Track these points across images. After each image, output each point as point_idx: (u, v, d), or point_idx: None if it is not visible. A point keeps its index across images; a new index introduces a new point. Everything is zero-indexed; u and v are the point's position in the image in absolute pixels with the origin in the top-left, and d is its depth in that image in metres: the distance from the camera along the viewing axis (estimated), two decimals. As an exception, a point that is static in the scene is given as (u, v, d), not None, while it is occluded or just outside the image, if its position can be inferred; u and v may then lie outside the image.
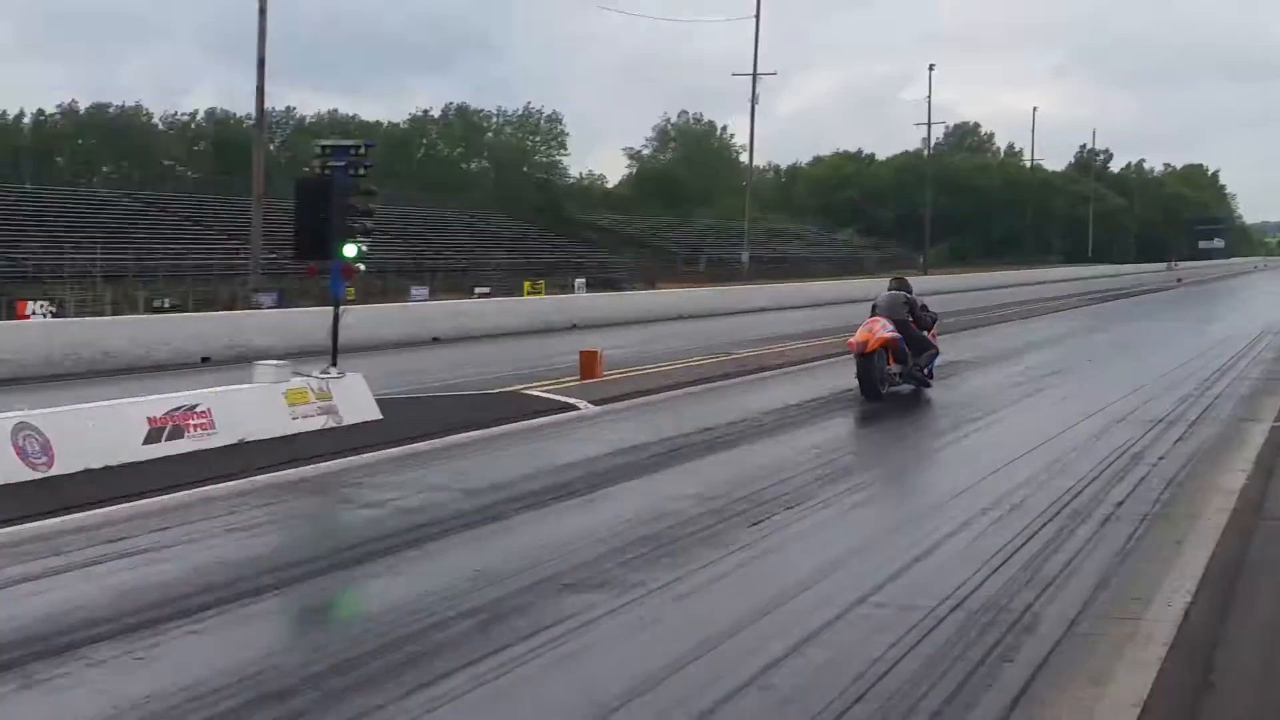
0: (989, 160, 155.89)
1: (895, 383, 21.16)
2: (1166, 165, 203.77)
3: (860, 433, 17.96)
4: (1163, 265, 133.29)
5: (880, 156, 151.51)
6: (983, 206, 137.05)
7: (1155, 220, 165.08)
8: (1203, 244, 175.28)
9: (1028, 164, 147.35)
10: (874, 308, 21.98)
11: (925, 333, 22.05)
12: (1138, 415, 18.42)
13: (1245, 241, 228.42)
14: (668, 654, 7.83)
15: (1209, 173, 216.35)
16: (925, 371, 21.81)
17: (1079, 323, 40.07)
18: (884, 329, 21.15)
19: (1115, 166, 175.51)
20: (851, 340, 21.21)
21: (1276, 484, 13.30)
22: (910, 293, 22.22)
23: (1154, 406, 19.45)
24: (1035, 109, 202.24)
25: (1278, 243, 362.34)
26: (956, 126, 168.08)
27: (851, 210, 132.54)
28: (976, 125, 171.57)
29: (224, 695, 7.20)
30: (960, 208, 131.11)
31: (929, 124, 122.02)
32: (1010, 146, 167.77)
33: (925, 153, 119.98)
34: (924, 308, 22.36)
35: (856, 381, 20.72)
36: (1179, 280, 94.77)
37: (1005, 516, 11.55)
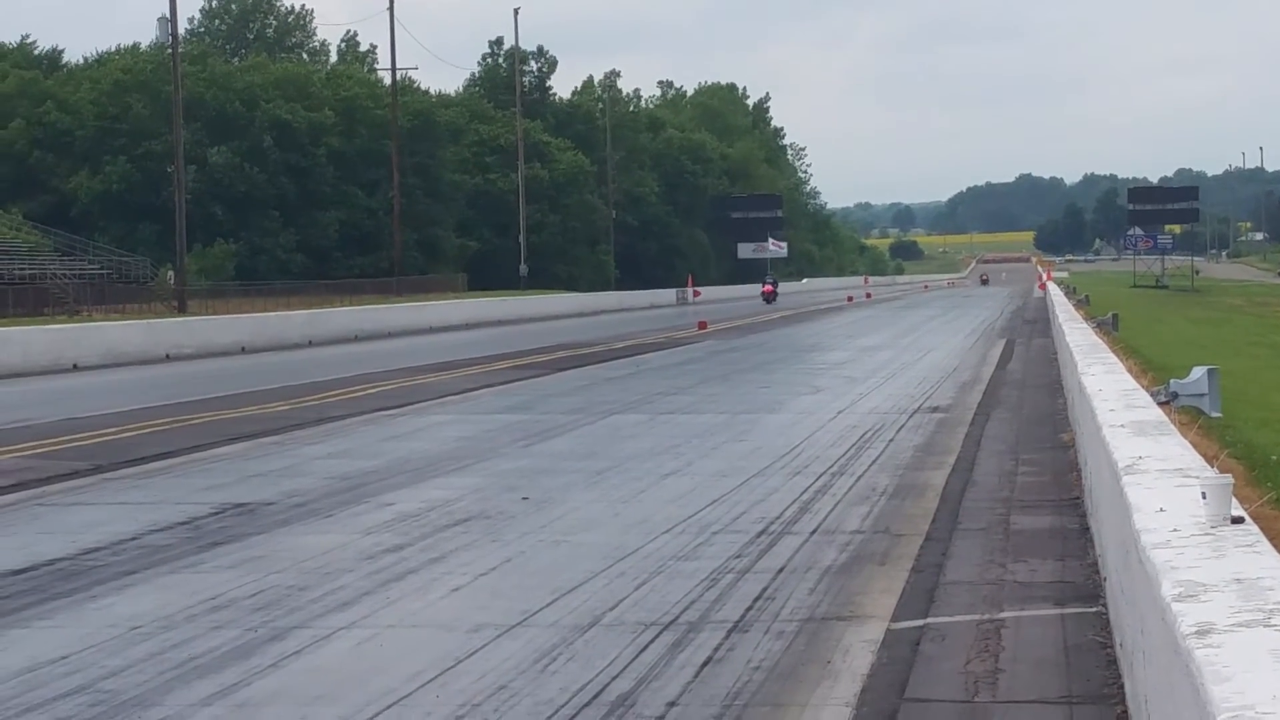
0: (302, 68, 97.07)
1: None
2: (668, 86, 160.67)
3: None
4: (671, 295, 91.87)
5: (75, 56, 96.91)
6: (294, 167, 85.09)
7: (647, 200, 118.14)
8: (746, 249, 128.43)
9: (383, 77, 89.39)
10: (767, 274, 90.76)
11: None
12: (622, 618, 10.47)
13: (832, 241, 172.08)
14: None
15: (751, 103, 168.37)
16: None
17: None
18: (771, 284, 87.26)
19: (563, 84, 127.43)
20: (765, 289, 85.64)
21: None
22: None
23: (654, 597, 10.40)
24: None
25: (892, 246, 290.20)
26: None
27: (20, 168, 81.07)
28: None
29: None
30: (247, 172, 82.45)
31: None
32: (351, 41, 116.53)
33: (169, 46, 65.13)
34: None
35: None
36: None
37: None
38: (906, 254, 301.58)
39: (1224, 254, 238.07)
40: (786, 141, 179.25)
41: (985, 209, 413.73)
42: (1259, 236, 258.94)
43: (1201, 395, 12.98)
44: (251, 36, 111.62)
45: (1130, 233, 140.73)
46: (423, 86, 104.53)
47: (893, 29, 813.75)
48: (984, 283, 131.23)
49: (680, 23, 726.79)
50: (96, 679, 8.27)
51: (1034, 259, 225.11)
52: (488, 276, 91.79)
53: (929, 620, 9.34)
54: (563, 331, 49.05)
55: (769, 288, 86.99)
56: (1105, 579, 9.27)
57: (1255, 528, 5.86)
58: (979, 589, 10.17)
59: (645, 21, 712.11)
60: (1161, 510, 6.25)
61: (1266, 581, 4.86)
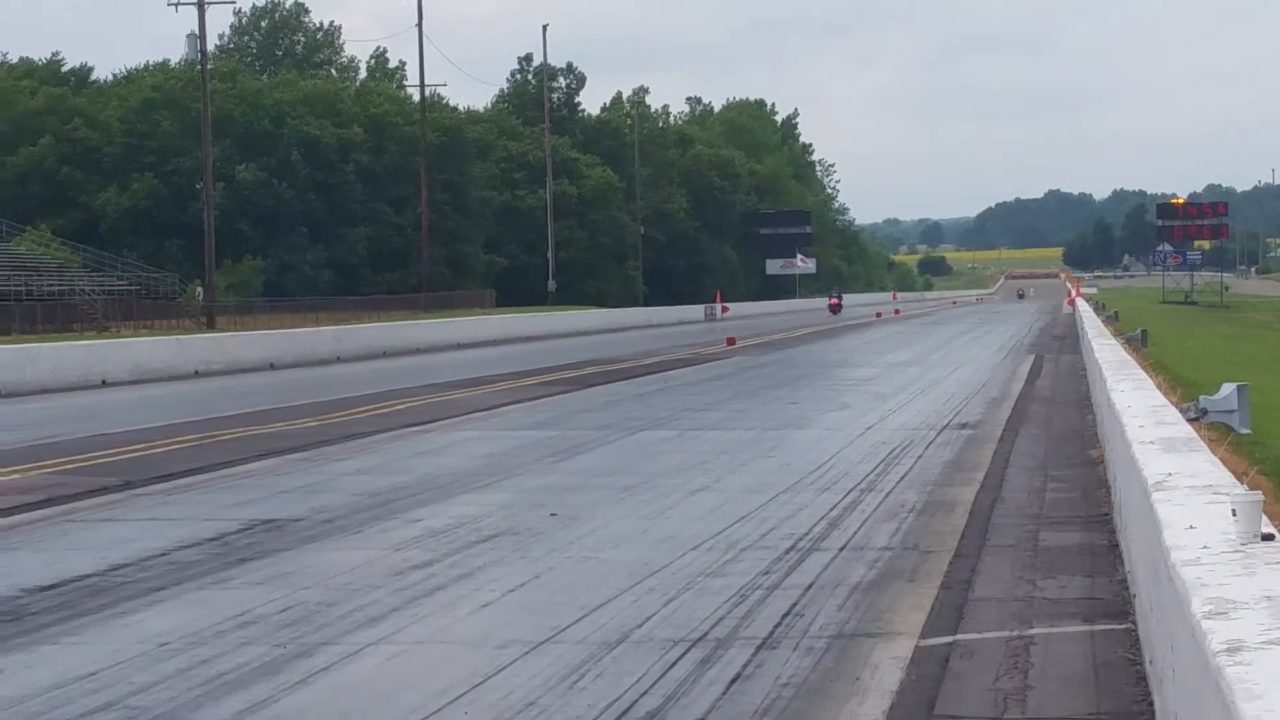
0: (331, 85, 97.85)
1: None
2: (696, 102, 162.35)
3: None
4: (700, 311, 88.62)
5: (104, 73, 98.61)
6: (323, 183, 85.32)
7: (676, 216, 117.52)
8: (774, 265, 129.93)
9: (412, 93, 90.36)
10: (832, 287, 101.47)
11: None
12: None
13: (861, 257, 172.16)
14: None
15: (779, 119, 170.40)
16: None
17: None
18: (837, 298, 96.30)
19: (592, 100, 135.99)
20: (831, 302, 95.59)
21: None
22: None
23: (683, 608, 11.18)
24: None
25: (920, 261, 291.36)
26: (265, 9, 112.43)
27: (49, 184, 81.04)
28: (302, 7, 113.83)
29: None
30: (275, 189, 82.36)
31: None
32: (380, 57, 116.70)
33: (198, 63, 66.70)
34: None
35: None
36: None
37: None
38: (935, 270, 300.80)
39: (1253, 270, 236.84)
40: (815, 157, 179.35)
41: (1014, 225, 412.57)
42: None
43: (1231, 412, 12.93)
44: (281, 53, 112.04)
45: (1159, 249, 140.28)
46: (451, 103, 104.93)
47: (921, 45, 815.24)
48: (1020, 296, 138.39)
49: (708, 39, 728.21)
50: (124, 695, 8.29)
51: (1063, 275, 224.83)
52: (516, 292, 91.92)
53: (958, 637, 9.31)
54: (591, 348, 49.02)
55: (835, 300, 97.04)
56: (1134, 596, 9.22)
57: (1286, 545, 5.82)
58: (1008, 606, 10.12)
59: (673, 38, 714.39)
60: (1191, 527, 6.22)
61: (1297, 599, 4.83)
